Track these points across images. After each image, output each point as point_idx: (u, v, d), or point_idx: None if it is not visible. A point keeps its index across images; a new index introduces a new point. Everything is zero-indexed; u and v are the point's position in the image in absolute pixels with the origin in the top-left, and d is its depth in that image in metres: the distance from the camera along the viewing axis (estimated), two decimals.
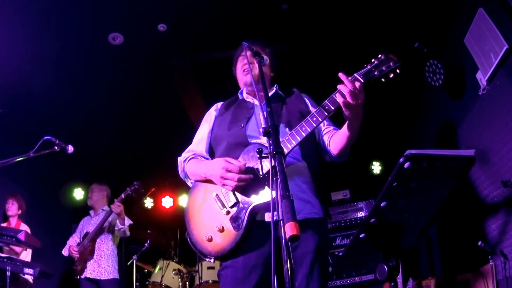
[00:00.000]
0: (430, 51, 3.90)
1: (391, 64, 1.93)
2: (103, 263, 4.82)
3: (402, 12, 4.03)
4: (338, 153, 2.14)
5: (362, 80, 1.90)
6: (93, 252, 4.82)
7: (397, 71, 1.93)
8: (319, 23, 4.18)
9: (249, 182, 1.93)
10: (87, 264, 4.78)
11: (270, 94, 2.33)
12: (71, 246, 4.88)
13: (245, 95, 2.40)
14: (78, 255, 4.78)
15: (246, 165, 1.98)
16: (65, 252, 5.02)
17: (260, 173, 1.93)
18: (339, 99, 1.86)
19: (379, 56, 1.96)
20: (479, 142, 3.53)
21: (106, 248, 4.91)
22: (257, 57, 2.00)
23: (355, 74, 1.92)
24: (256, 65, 2.11)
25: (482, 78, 3.36)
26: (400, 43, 4.05)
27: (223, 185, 1.98)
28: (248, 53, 2.18)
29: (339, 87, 1.86)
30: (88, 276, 4.73)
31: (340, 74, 1.86)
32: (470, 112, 3.69)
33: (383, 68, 1.92)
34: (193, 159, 2.29)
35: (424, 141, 4.96)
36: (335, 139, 2.13)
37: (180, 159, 2.34)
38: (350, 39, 4.31)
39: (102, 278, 4.75)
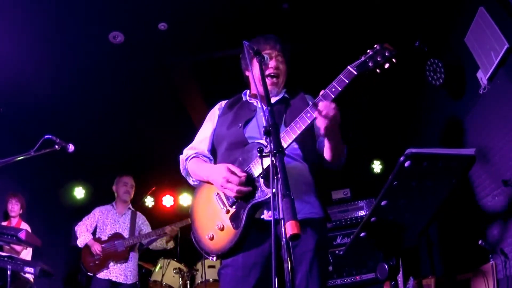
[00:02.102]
0: (430, 50, 3.90)
1: (387, 53, 1.87)
2: (130, 266, 4.69)
3: (402, 11, 4.02)
4: (331, 161, 2.13)
5: (355, 73, 1.87)
6: (127, 259, 4.65)
7: (393, 60, 1.87)
8: (320, 22, 4.18)
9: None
10: (109, 265, 4.58)
11: (278, 97, 2.32)
12: (96, 244, 4.57)
13: (247, 97, 2.40)
14: (101, 255, 4.55)
15: (247, 170, 2.00)
16: (81, 243, 4.65)
17: (255, 175, 1.96)
18: (321, 124, 1.88)
19: (375, 46, 1.92)
20: (480, 141, 3.52)
21: (133, 251, 4.83)
22: (258, 56, 2.00)
23: (348, 67, 1.89)
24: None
25: (482, 77, 3.36)
26: (400, 43, 4.03)
27: (223, 192, 2.04)
28: (275, 54, 2.25)
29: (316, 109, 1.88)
30: (113, 279, 4.54)
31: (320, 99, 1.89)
32: (471, 111, 3.69)
33: (378, 59, 1.87)
34: (195, 158, 2.30)
35: (425, 140, 4.96)
36: (325, 150, 2.13)
37: (181, 157, 2.35)
38: (350, 39, 4.31)
39: (128, 282, 4.60)
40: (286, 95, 2.37)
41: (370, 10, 4.03)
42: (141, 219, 5.05)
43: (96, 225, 4.83)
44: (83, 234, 4.69)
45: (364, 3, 3.96)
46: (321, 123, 1.86)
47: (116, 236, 4.72)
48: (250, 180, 1.98)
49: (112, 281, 4.55)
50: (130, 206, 5.06)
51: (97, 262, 4.56)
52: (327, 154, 2.10)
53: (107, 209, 4.94)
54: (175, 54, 4.56)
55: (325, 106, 1.85)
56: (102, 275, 4.55)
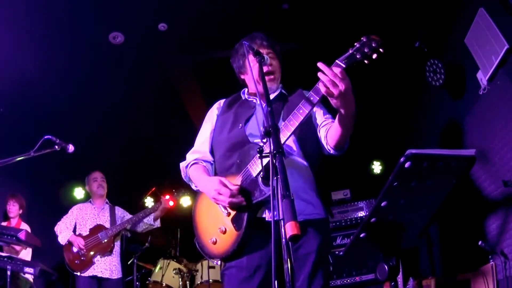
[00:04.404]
0: (430, 51, 3.90)
1: (373, 44, 1.86)
2: (114, 261, 4.58)
3: (402, 12, 4.02)
4: (334, 146, 2.05)
5: (343, 66, 1.84)
6: (112, 250, 4.54)
7: (381, 50, 1.85)
8: (320, 22, 4.18)
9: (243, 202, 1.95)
10: (94, 260, 4.43)
11: (275, 94, 2.30)
12: (78, 238, 4.44)
13: (246, 95, 2.39)
14: (85, 249, 4.40)
15: (245, 171, 1.99)
16: (63, 240, 4.50)
17: (253, 175, 1.94)
18: (322, 88, 1.80)
19: (362, 38, 1.91)
20: (480, 141, 3.53)
21: (116, 245, 4.69)
22: (258, 56, 1.99)
23: (336, 61, 1.87)
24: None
25: (482, 77, 3.36)
26: (400, 43, 4.05)
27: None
28: (265, 52, 2.18)
29: (319, 75, 1.79)
30: (98, 275, 4.39)
31: (319, 64, 1.80)
32: (471, 111, 3.69)
33: (365, 50, 1.86)
34: (194, 165, 2.27)
35: (425, 140, 4.96)
36: (331, 132, 2.06)
37: (182, 165, 2.32)
38: (350, 39, 4.31)
39: (113, 277, 4.49)
40: (283, 91, 2.35)
41: (370, 10, 4.03)
42: (120, 211, 4.93)
43: (76, 223, 4.70)
44: (63, 231, 4.57)
45: (364, 3, 3.96)
46: (328, 90, 1.79)
47: (98, 228, 4.60)
48: (248, 181, 1.97)
49: (98, 277, 4.42)
50: (107, 200, 4.97)
51: (82, 258, 4.42)
52: (335, 135, 2.01)
53: (85, 206, 4.86)
54: (175, 54, 4.56)
55: (329, 71, 1.78)
56: (87, 272, 4.39)
